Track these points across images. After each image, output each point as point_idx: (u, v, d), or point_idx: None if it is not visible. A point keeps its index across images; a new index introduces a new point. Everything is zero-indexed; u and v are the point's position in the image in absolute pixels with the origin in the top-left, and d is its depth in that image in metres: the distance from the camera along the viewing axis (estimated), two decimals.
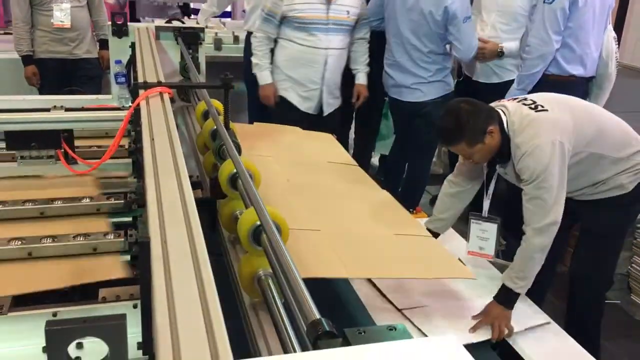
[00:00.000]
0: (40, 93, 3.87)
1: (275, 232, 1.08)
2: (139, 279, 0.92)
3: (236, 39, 4.06)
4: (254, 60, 3.33)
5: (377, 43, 3.47)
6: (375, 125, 4.07)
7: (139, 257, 0.91)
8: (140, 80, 1.89)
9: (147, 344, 0.88)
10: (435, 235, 2.16)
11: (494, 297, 1.89)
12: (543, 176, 1.90)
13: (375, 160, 4.60)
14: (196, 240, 0.94)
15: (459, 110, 1.99)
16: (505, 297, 1.89)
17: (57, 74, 3.94)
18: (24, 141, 1.68)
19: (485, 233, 2.22)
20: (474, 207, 2.32)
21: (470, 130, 1.97)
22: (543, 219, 1.91)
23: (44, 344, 1.12)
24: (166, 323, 0.72)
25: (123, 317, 0.61)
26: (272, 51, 3.35)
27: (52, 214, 1.53)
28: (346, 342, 0.73)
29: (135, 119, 1.62)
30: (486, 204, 2.21)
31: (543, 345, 1.82)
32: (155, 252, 0.89)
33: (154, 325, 0.72)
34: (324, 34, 3.19)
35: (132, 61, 2.82)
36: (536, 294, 2.12)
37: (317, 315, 0.83)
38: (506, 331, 1.82)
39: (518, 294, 1.91)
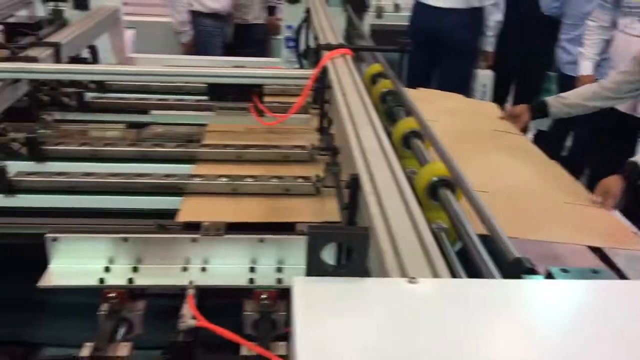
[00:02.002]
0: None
1: (467, 182, 1.15)
2: (348, 208, 1.04)
3: (397, 7, 4.12)
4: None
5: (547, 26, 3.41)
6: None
7: (350, 189, 1.03)
8: (322, 42, 2.04)
9: None
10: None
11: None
12: None
13: (529, 135, 4.49)
14: (399, 177, 1.04)
15: None
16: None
17: None
18: (222, 93, 1.89)
19: None
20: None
21: None
22: None
23: (251, 265, 1.31)
24: (388, 246, 0.83)
25: (367, 229, 0.72)
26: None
27: (247, 159, 1.72)
28: (550, 278, 0.80)
29: (322, 77, 1.76)
30: None
31: None
32: (366, 187, 1.00)
33: (378, 248, 0.83)
34: None
35: (302, 26, 2.99)
36: None
37: (517, 254, 0.89)
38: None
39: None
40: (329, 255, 0.73)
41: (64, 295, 1.41)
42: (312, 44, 2.73)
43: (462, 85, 3.47)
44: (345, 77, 1.62)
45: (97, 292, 1.24)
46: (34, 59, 2.01)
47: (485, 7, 3.60)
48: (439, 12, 3.54)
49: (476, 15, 3.61)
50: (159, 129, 1.99)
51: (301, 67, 2.98)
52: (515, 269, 0.86)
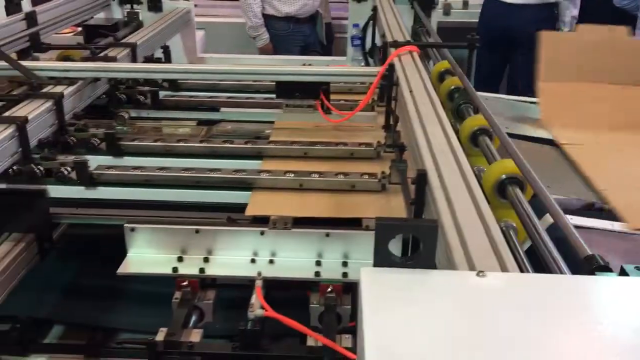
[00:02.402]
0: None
1: (537, 179, 1.13)
2: (415, 203, 1.05)
3: (465, 4, 4.05)
4: None
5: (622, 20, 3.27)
6: None
7: (416, 184, 1.04)
8: (389, 39, 2.04)
9: None
10: None
11: None
12: None
13: None
14: (467, 174, 1.03)
15: None
16: None
17: None
18: (290, 91, 1.92)
19: None
20: None
21: None
22: None
23: (317, 259, 1.33)
24: (456, 240, 0.83)
25: (436, 222, 0.73)
26: None
27: (314, 155, 1.74)
28: (624, 275, 0.77)
29: (389, 74, 1.76)
30: None
31: None
32: (434, 183, 1.00)
33: (446, 242, 0.83)
34: None
35: (368, 24, 2.99)
36: None
37: (590, 251, 0.87)
38: None
39: None
40: (396, 247, 0.74)
41: (138, 283, 1.48)
42: (378, 42, 2.73)
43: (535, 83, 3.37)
44: (413, 74, 1.62)
45: (170, 281, 1.30)
46: (112, 59, 2.11)
47: (560, 2, 3.51)
48: (510, 8, 3.48)
49: (549, 10, 3.53)
50: (228, 126, 2.05)
51: (367, 65, 2.98)
52: (587, 266, 0.84)
